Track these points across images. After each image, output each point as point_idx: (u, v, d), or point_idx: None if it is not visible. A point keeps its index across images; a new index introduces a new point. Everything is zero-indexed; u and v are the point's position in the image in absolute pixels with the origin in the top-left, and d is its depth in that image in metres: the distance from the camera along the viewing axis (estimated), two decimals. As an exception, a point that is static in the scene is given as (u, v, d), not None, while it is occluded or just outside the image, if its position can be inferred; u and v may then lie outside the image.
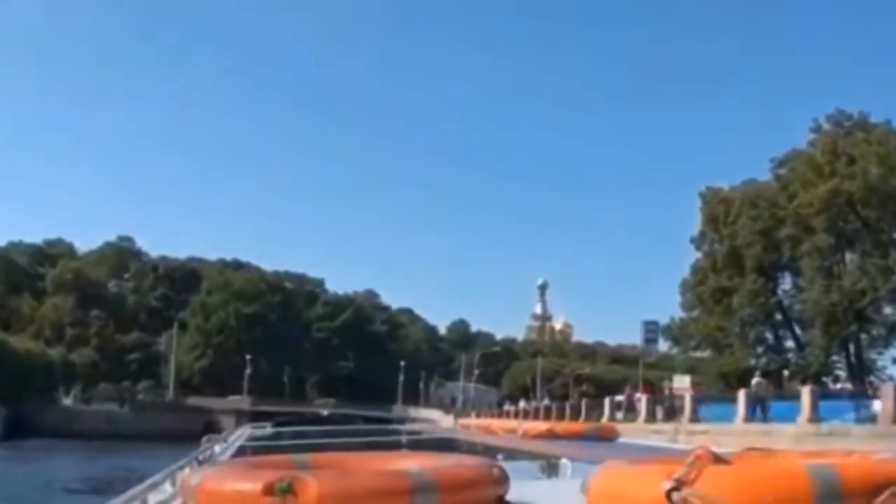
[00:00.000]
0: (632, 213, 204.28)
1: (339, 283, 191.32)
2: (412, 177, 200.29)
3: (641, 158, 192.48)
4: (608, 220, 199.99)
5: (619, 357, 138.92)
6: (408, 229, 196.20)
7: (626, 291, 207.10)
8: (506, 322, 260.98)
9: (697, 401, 30.07)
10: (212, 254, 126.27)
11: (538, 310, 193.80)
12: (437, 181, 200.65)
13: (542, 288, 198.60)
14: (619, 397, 40.06)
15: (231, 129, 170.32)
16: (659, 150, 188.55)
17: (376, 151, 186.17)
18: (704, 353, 68.36)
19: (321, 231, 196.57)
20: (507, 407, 60.64)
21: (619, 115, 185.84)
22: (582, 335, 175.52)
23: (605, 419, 33.59)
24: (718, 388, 56.10)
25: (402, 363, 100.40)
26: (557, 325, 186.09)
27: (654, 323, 49.85)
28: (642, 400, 34.87)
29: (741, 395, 25.01)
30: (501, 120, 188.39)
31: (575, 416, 36.58)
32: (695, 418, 27.18)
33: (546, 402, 52.20)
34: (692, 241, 62.50)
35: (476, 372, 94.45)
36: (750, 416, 23.89)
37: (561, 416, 37.82)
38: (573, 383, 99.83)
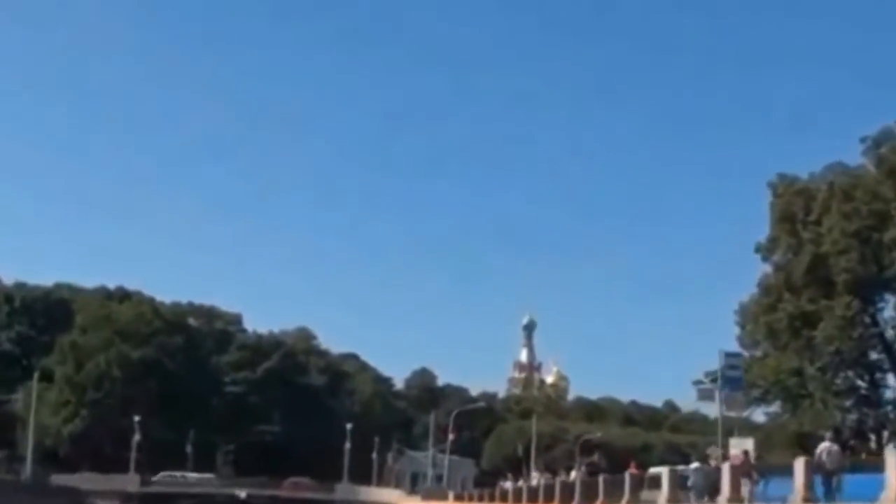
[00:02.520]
0: (641, 228, 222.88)
1: (262, 319, 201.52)
2: (358, 185, 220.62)
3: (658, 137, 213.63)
4: (608, 239, 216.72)
5: (634, 418, 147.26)
6: (352, 252, 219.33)
7: (638, 332, 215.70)
8: (480, 373, 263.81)
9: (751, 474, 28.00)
10: (88, 280, 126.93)
11: (523, 357, 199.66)
12: (391, 190, 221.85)
13: (529, 329, 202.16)
14: (689, 466, 35.65)
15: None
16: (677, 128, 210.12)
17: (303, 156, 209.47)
18: (770, 408, 64.09)
19: (237, 253, 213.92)
20: (506, 484, 57.69)
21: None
22: (581, 390, 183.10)
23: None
24: (791, 455, 54.10)
25: (348, 426, 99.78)
26: (549, 378, 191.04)
27: (737, 356, 44.10)
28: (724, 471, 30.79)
29: (798, 465, 23.71)
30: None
31: (589, 499, 35.58)
32: (736, 497, 26.29)
33: (544, 477, 51.51)
34: (758, 249, 58.74)
35: (451, 437, 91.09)
36: (815, 496, 22.76)
37: (568, 499, 37.32)
38: (579, 452, 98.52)
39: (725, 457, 50.90)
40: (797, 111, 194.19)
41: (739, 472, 33.55)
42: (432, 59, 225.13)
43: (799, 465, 23.57)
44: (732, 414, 50.42)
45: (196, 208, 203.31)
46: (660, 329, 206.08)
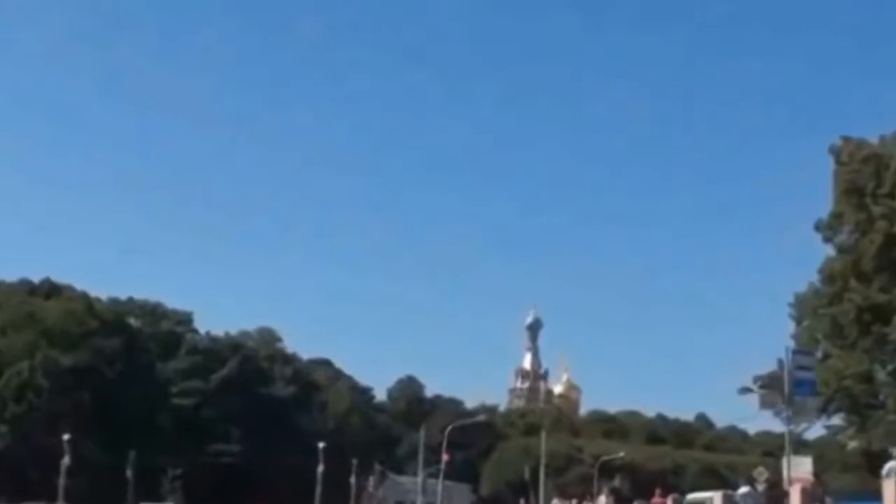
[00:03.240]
0: (657, 221, 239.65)
1: (217, 319, 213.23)
2: (329, 167, 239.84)
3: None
4: (620, 236, 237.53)
5: (661, 434, 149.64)
6: (324, 247, 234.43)
7: (661, 336, 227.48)
8: (476, 383, 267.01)
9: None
10: (7, 272, 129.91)
11: (527, 363, 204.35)
12: (372, 171, 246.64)
13: (533, 329, 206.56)
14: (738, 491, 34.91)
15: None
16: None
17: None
18: (830, 420, 62.43)
19: (188, 241, 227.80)
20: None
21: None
22: (596, 402, 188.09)
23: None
24: (857, 477, 53.51)
25: (321, 445, 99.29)
26: (557, 388, 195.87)
27: (808, 353, 42.29)
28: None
29: (889, 487, 24.31)
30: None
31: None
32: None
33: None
34: (819, 227, 57.29)
35: (444, 458, 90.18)
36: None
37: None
38: (598, 475, 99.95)
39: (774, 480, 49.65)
40: (862, 63, 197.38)
41: (809, 497, 32.32)
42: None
43: (890, 489, 23.08)
44: (798, 425, 48.75)
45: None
46: (688, 332, 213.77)
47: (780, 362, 62.72)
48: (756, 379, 63.30)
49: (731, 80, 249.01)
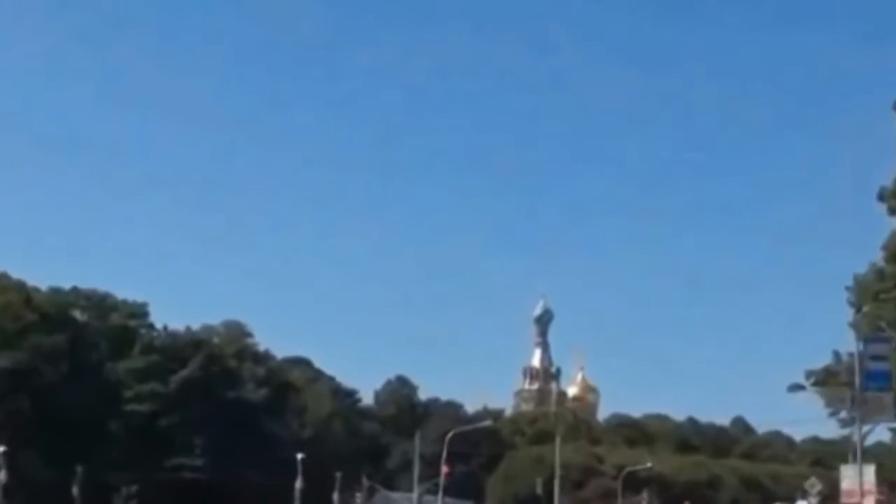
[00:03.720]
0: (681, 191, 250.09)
1: (177, 311, 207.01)
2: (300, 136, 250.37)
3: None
4: (640, 220, 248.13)
5: (692, 442, 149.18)
6: (300, 228, 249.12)
7: (690, 329, 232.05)
8: (477, 385, 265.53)
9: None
10: None
11: (536, 360, 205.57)
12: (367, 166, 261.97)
13: (542, 322, 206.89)
14: None
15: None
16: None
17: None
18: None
19: (141, 225, 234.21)
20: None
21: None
22: (615, 405, 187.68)
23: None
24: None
25: (299, 456, 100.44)
26: (571, 389, 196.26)
27: (885, 340, 41.77)
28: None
29: None
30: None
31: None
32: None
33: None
34: (883, 196, 56.59)
35: (444, 470, 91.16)
36: None
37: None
38: (622, 489, 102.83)
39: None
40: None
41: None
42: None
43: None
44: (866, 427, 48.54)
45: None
46: (720, 325, 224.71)
47: (837, 355, 62.85)
48: (808, 374, 63.42)
49: (779, 49, 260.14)
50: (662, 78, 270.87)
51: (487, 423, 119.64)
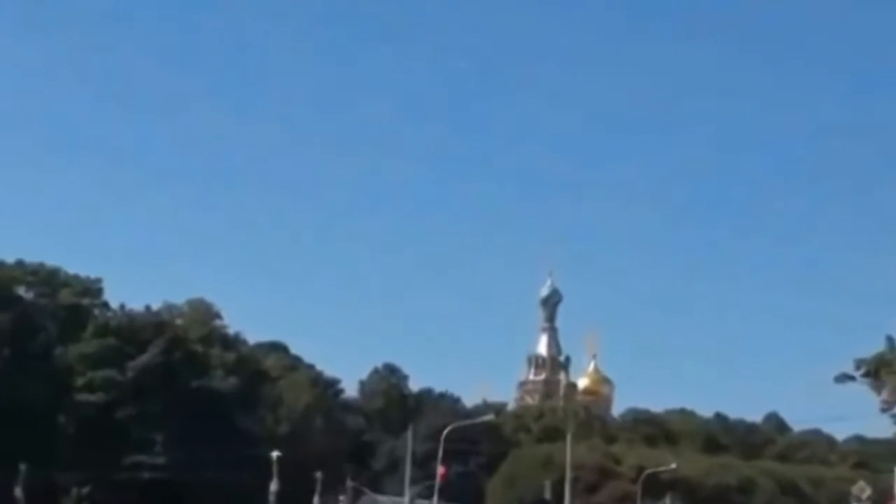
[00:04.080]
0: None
1: (134, 289, 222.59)
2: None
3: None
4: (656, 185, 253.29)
5: (720, 440, 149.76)
6: (273, 196, 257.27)
7: (715, 312, 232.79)
8: (476, 375, 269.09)
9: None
10: None
11: (542, 348, 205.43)
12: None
13: (550, 304, 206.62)
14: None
15: None
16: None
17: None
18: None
19: (93, 192, 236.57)
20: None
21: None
22: (632, 399, 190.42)
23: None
24: None
25: (274, 455, 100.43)
26: (582, 380, 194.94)
27: None
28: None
29: None
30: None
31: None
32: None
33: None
34: None
35: (439, 472, 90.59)
36: None
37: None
38: (642, 492, 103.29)
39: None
40: None
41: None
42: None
43: None
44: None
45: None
46: (750, 309, 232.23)
47: (892, 340, 61.86)
48: (858, 363, 62.61)
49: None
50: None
51: (489, 417, 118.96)
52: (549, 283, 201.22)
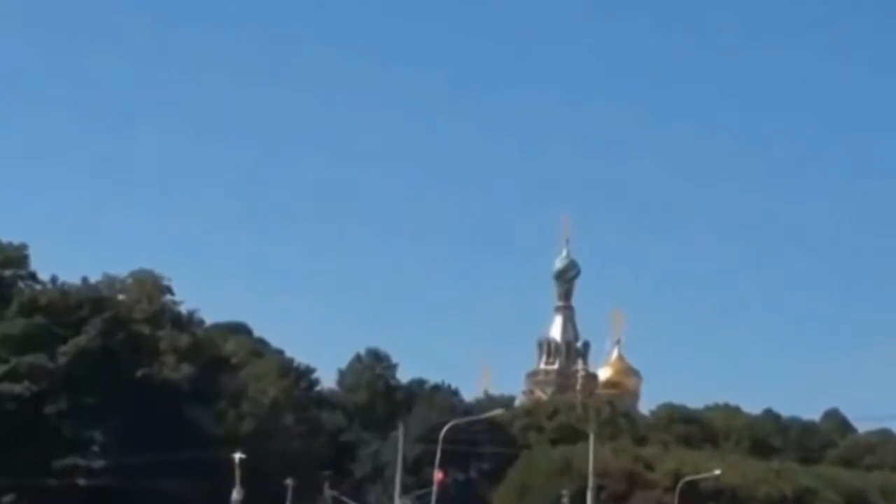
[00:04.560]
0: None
1: (68, 258, 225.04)
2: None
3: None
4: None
5: (771, 442, 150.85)
6: (230, 141, 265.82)
7: (762, 292, 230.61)
8: (477, 364, 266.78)
9: None
10: None
11: (555, 332, 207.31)
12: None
13: (565, 279, 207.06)
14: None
15: None
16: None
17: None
18: None
19: (20, 148, 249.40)
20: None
21: None
22: (663, 393, 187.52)
23: None
24: None
25: (237, 457, 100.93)
26: (604, 371, 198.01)
27: None
28: None
29: None
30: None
31: None
32: None
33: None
34: None
35: (436, 478, 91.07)
36: None
37: None
38: (679, 503, 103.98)
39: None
40: None
41: None
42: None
43: None
44: None
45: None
46: (805, 289, 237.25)
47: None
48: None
49: None
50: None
51: (495, 413, 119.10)
52: (564, 253, 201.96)
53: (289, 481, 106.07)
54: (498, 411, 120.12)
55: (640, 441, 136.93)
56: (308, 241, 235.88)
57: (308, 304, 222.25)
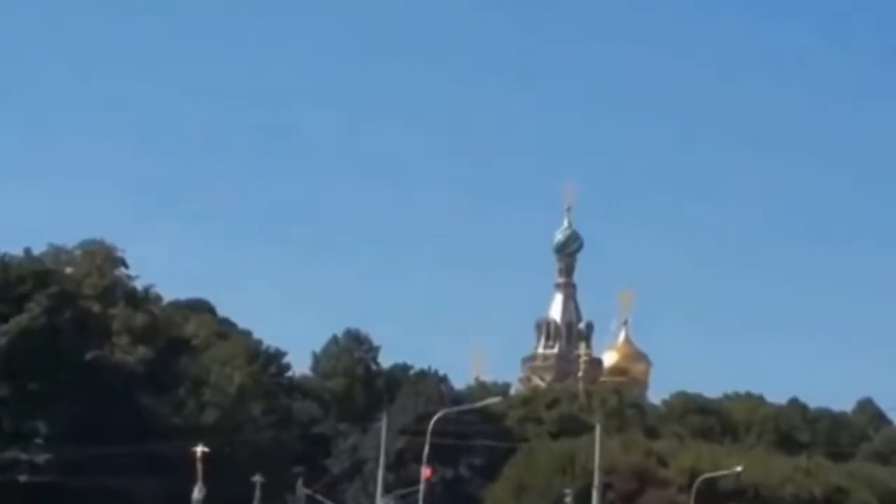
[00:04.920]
0: None
1: (8, 228, 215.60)
2: None
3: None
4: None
5: (797, 437, 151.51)
6: (184, 97, 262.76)
7: (783, 267, 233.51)
8: (467, 347, 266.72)
9: None
10: None
11: (556, 312, 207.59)
12: None
13: (567, 251, 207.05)
14: None
15: None
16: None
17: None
18: None
19: None
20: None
21: None
22: (677, 381, 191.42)
23: None
24: None
25: (198, 450, 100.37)
26: (609, 355, 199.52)
27: None
28: None
29: None
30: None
31: None
32: None
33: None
34: None
35: (424, 474, 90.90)
36: None
37: None
38: (696, 503, 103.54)
39: None
40: None
41: None
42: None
43: None
44: None
45: None
46: (836, 265, 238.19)
47: None
48: None
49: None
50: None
51: (491, 400, 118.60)
52: (565, 223, 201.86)
53: (257, 478, 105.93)
54: (492, 400, 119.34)
55: (651, 434, 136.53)
56: (277, 208, 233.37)
57: (279, 280, 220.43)
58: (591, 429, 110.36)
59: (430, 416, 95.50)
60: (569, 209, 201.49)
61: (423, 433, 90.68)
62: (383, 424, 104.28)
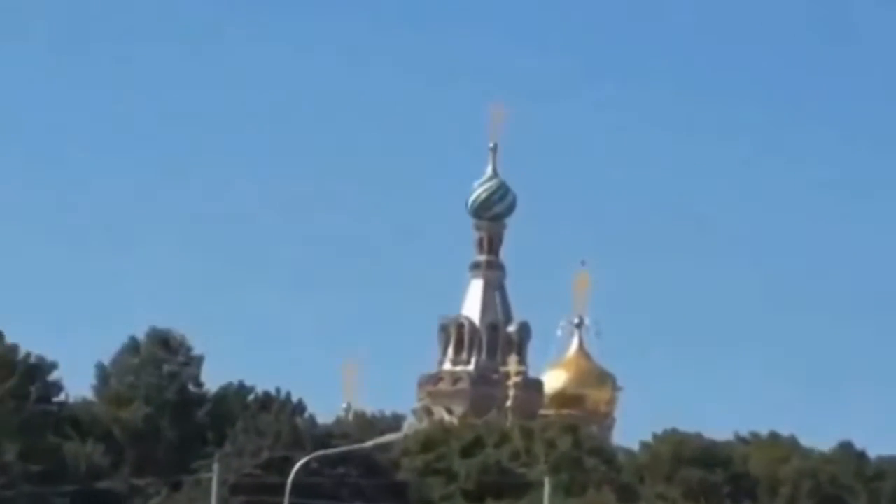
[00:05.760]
0: None
1: None
2: None
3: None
4: None
5: (852, 498, 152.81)
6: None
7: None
8: (330, 362, 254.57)
9: None
10: None
11: (472, 308, 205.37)
12: None
13: (490, 212, 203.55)
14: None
15: None
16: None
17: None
18: None
19: None
20: None
21: None
22: (654, 415, 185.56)
23: None
24: None
25: None
26: (555, 376, 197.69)
27: None
28: None
29: None
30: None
31: None
32: None
33: None
34: None
35: None
36: None
37: None
38: None
39: None
40: None
41: None
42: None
43: None
44: None
45: None
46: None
47: None
48: None
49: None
50: None
51: (384, 439, 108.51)
52: (488, 171, 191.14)
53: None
54: (382, 439, 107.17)
55: (626, 496, 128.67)
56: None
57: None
58: (531, 488, 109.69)
59: (282, 463, 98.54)
60: (494, 147, 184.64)
61: (271, 490, 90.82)
62: (214, 476, 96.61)
